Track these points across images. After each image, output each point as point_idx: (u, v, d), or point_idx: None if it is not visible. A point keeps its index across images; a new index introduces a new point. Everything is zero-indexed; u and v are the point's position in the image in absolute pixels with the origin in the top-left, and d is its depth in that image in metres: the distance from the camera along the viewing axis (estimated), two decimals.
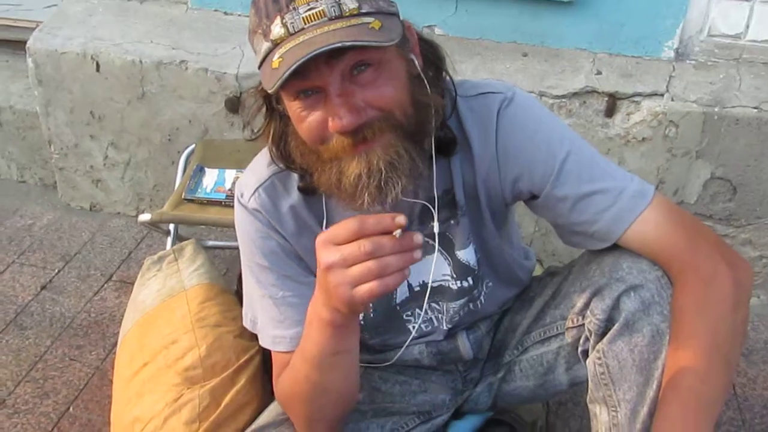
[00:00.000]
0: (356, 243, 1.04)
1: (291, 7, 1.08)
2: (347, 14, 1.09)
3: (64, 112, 2.74)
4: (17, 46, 3.04)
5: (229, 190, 2.17)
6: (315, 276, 1.38)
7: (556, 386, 1.50)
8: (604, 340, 1.27)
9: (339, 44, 1.04)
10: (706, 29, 2.36)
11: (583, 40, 2.44)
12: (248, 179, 1.38)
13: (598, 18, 2.39)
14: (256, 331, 1.45)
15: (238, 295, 1.82)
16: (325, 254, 1.07)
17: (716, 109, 2.24)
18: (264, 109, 1.28)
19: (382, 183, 1.14)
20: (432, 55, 1.26)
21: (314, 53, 1.03)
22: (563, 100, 2.31)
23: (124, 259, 2.66)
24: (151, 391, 1.68)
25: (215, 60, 2.52)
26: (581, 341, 1.35)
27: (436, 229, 1.27)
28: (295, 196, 1.36)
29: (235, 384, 1.66)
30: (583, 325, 1.33)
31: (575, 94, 2.31)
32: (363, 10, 1.10)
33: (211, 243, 2.59)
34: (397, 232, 1.04)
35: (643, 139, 2.31)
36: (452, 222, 1.40)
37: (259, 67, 1.14)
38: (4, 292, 2.49)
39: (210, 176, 2.24)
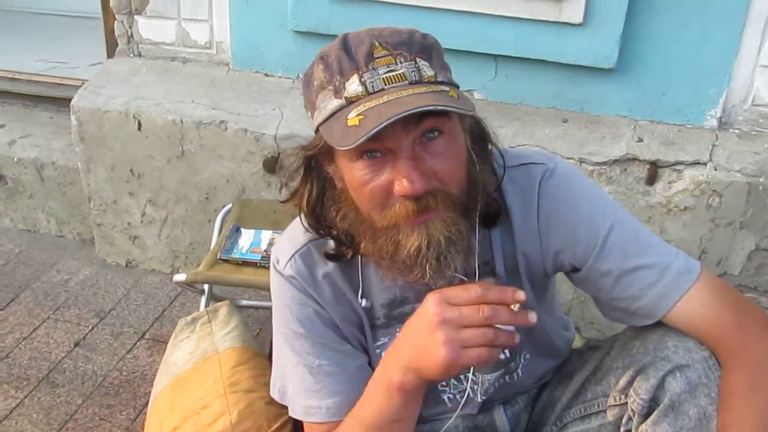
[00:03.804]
0: (476, 307, 1.08)
1: (370, 67, 1.09)
2: (425, 80, 1.10)
3: (105, 169, 2.77)
4: (62, 103, 3.10)
5: (265, 251, 2.16)
6: (350, 344, 1.37)
7: None
8: (648, 421, 1.23)
9: (431, 107, 1.04)
10: (750, 99, 2.33)
11: (625, 107, 2.42)
12: (284, 246, 1.37)
13: (640, 85, 2.38)
14: (285, 401, 1.41)
15: (271, 358, 1.80)
16: (441, 309, 1.08)
17: (761, 180, 2.20)
18: (302, 171, 1.26)
19: (441, 256, 1.13)
20: (479, 131, 1.25)
21: (407, 113, 1.02)
22: (603, 167, 2.29)
23: (158, 317, 2.66)
24: None
25: (255, 120, 2.54)
26: (624, 421, 1.31)
27: None
28: (330, 263, 1.34)
29: None
30: (626, 403, 1.29)
31: (616, 161, 2.28)
32: (439, 79, 1.11)
33: (245, 303, 2.59)
34: (516, 306, 1.09)
35: (686, 208, 2.27)
36: None
37: (321, 123, 1.13)
38: (38, 348, 2.49)
39: (246, 237, 2.24)
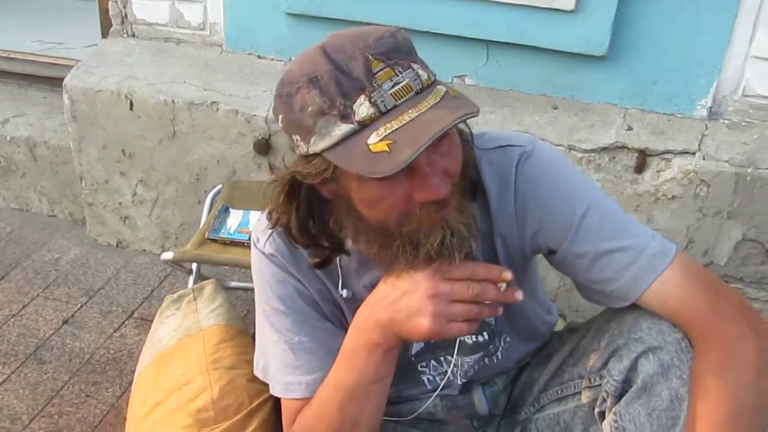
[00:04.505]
0: (466, 283, 1.16)
1: (375, 85, 1.04)
2: (426, 85, 1.07)
3: (97, 149, 2.77)
4: (55, 82, 3.09)
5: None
6: (331, 322, 1.38)
7: None
8: (621, 402, 1.23)
9: (458, 120, 1.02)
10: (740, 89, 2.33)
11: (615, 95, 2.42)
12: (263, 224, 1.36)
13: (631, 74, 2.38)
14: (267, 379, 1.42)
15: (255, 338, 1.80)
16: (434, 282, 1.15)
17: (749, 170, 2.20)
18: (284, 194, 1.22)
19: (466, 240, 1.14)
20: None
21: (441, 132, 1.00)
22: (592, 154, 2.29)
23: (147, 297, 2.66)
24: None
25: (246, 102, 2.54)
26: (598, 402, 1.31)
27: None
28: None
29: (246, 428, 1.63)
30: (600, 385, 1.29)
31: (605, 149, 2.29)
32: (432, 80, 1.09)
33: (233, 284, 2.59)
34: (502, 286, 1.17)
35: (673, 197, 2.27)
36: None
37: (327, 150, 1.07)
38: (26, 326, 2.49)
39: (234, 217, 2.25)
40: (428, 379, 1.50)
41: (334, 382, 1.28)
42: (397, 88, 1.04)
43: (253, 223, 2.20)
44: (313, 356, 1.34)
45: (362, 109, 1.04)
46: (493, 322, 1.43)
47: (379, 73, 1.05)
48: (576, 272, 1.30)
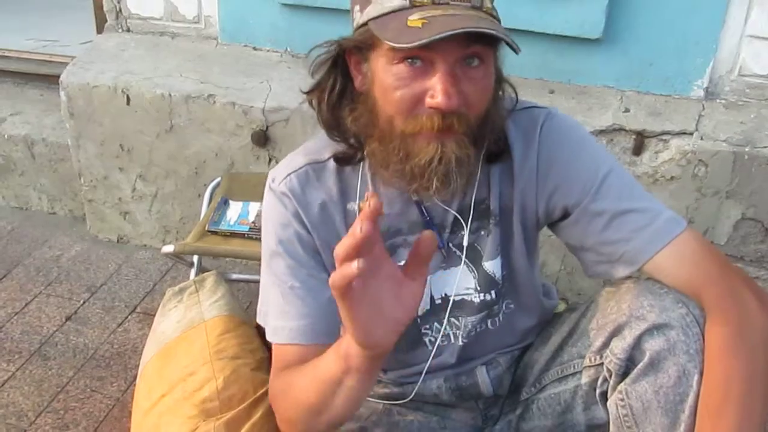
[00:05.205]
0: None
1: None
2: (485, 9, 1.15)
3: (95, 145, 2.77)
4: (52, 80, 3.09)
5: (253, 222, 2.17)
6: (329, 273, 1.38)
7: (574, 427, 1.46)
8: (627, 380, 1.24)
9: (494, 32, 1.08)
10: (736, 69, 2.33)
11: (611, 78, 2.42)
12: (283, 166, 1.40)
13: (627, 56, 2.38)
14: (265, 325, 1.42)
15: (259, 327, 1.81)
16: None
17: (747, 149, 2.20)
18: (329, 65, 1.28)
19: (450, 173, 1.17)
20: (498, 73, 1.28)
21: (470, 30, 1.06)
22: None
23: (149, 292, 2.67)
24: (167, 423, 1.66)
25: (243, 94, 2.54)
26: (599, 382, 1.32)
27: (465, 241, 1.37)
28: (326, 188, 1.37)
29: (251, 417, 1.63)
30: (602, 364, 1.30)
31: (602, 132, 2.29)
32: (494, 14, 1.17)
33: (235, 276, 2.60)
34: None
35: (672, 177, 2.28)
36: (482, 233, 1.40)
37: (374, 18, 1.15)
38: (29, 323, 2.50)
39: (234, 209, 2.25)
40: (430, 340, 1.49)
41: (315, 365, 1.25)
42: None
43: (252, 215, 2.21)
44: (302, 303, 1.34)
45: None
46: (501, 282, 1.44)
47: None
48: (589, 233, 1.32)
